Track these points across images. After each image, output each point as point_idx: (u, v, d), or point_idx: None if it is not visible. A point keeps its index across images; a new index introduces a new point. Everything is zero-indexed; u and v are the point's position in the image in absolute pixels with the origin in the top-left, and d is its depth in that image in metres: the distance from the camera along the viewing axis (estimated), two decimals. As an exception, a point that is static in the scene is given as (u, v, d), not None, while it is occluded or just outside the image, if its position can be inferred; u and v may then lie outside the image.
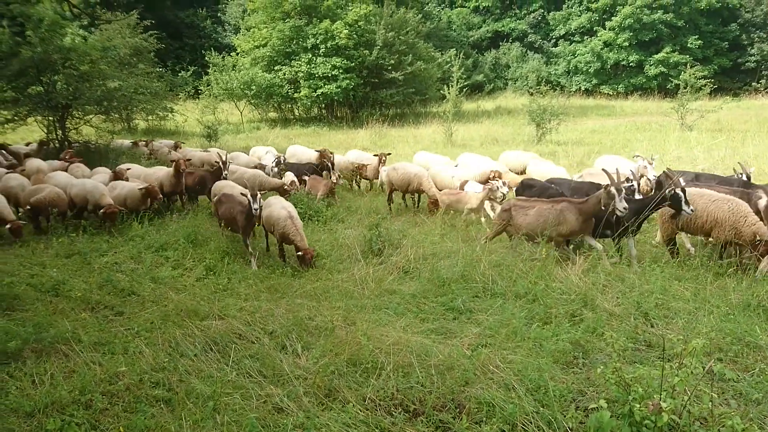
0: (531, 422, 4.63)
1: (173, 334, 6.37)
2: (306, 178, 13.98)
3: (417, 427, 4.70)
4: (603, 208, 8.33)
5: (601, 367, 4.84)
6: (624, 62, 45.22)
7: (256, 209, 9.21)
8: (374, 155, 15.53)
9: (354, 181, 16.01)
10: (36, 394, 5.18)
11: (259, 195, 9.30)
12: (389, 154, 15.93)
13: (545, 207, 8.89)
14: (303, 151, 17.21)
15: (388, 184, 13.19)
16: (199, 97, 34.61)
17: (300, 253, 8.94)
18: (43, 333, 6.31)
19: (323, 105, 35.03)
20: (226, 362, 5.82)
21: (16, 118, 18.15)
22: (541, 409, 4.81)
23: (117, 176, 12.44)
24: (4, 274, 7.75)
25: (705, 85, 25.77)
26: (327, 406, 5.05)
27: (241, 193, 9.77)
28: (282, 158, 15.81)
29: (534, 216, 8.92)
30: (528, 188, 10.47)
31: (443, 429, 4.73)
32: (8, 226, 9.93)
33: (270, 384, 5.41)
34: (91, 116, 19.94)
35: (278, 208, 9.52)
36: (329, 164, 14.08)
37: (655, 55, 44.00)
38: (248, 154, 17.70)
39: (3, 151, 16.23)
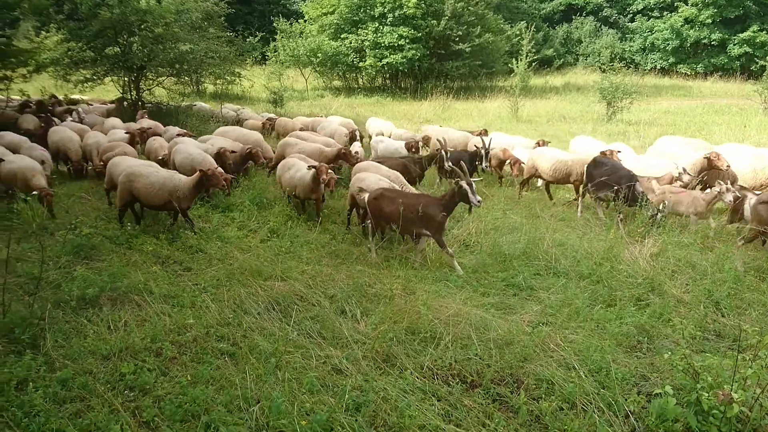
0: (591, 403, 4.56)
1: (238, 291, 6.58)
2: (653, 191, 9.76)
3: (474, 399, 4.71)
4: None
5: (669, 353, 4.71)
6: (705, 40, 42.69)
7: (478, 202, 7.58)
8: (537, 142, 13.12)
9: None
10: (111, 339, 5.48)
11: (474, 184, 7.58)
12: (549, 142, 13.37)
13: None
14: (437, 132, 14.95)
15: (529, 170, 11.44)
16: (265, 63, 35.05)
17: None
18: (117, 282, 6.65)
19: (388, 75, 34.84)
20: (287, 322, 5.98)
21: (94, 77, 18.90)
22: (602, 390, 4.74)
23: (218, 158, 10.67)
24: (84, 225, 8.14)
25: (795, 67, 24.13)
26: (385, 371, 5.12)
27: (456, 181, 7.66)
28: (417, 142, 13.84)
29: None
30: (599, 166, 10.00)
31: (500, 402, 4.73)
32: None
33: (329, 346, 5.53)
34: (163, 78, 20.54)
35: (376, 180, 8.87)
36: (483, 151, 11.23)
37: (740, 34, 41.32)
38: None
39: (80, 108, 16.93)
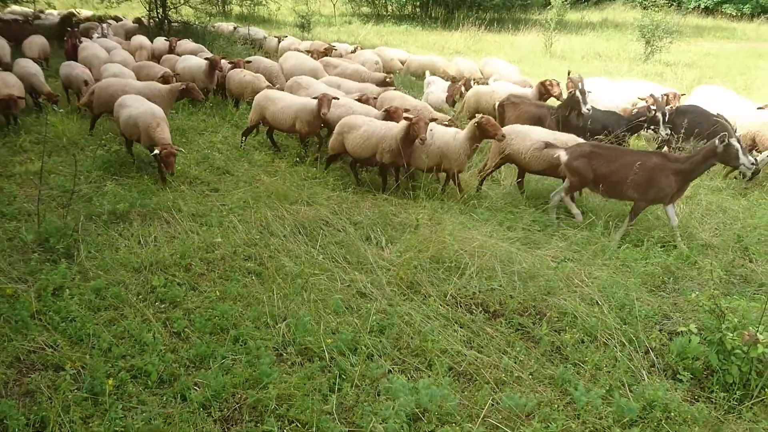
0: (612, 337, 4.61)
1: (264, 214, 6.63)
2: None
3: (496, 327, 4.79)
4: None
5: (695, 293, 4.70)
6: (755, -22, 40.34)
7: (752, 164, 5.96)
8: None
9: None
10: (142, 253, 5.60)
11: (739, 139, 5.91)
12: (683, 94, 10.78)
13: None
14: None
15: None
16: (293, -15, 34.05)
17: None
18: (147, 199, 6.76)
19: (418, 3, 33.69)
20: (313, 246, 6.04)
21: (120, -7, 18.57)
22: (624, 326, 4.77)
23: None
24: (113, 143, 8.19)
25: None
26: (408, 297, 5.20)
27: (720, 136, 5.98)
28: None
29: None
30: (683, 115, 9.06)
31: (522, 332, 4.80)
32: None
33: (354, 270, 5.60)
34: (190, -4, 20.12)
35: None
36: (660, 114, 7.98)
37: (793, -27, 38.95)
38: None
39: (104, 25, 16.61)
